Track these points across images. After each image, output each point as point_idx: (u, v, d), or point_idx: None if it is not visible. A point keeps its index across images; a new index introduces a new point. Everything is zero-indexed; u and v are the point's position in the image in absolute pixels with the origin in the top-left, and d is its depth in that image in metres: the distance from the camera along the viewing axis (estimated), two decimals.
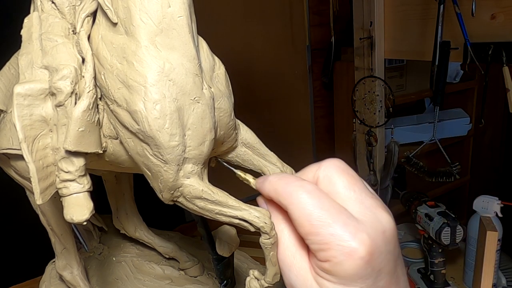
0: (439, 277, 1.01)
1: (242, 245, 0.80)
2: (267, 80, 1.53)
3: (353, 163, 1.58)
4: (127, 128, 0.55)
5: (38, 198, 0.54)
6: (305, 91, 1.65)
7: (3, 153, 0.63)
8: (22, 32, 0.60)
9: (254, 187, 0.37)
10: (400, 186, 1.42)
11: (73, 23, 0.58)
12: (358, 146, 1.53)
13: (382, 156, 1.46)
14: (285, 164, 0.70)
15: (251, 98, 1.49)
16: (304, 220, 0.29)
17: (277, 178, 0.32)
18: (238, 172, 0.47)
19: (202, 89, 0.57)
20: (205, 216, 0.60)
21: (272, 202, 0.34)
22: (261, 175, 0.67)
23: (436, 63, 1.13)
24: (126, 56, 0.53)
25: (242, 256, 0.98)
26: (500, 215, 0.98)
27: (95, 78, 0.56)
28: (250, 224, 0.59)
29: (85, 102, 0.53)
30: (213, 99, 0.58)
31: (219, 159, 0.63)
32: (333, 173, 0.31)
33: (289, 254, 0.31)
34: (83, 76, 0.55)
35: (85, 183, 0.55)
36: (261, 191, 0.34)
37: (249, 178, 0.41)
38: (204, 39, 0.61)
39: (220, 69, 0.62)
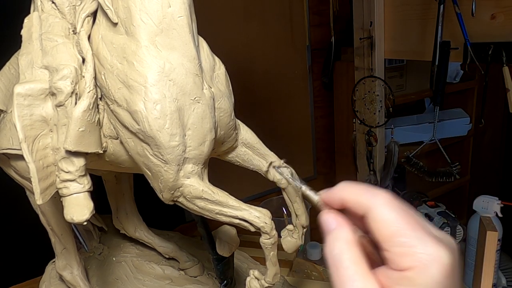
0: None
1: (242, 245, 0.80)
2: (267, 80, 1.53)
3: (353, 163, 1.58)
4: (127, 128, 0.55)
5: (38, 198, 0.54)
6: (305, 91, 1.65)
7: (3, 153, 0.63)
8: (22, 32, 0.60)
9: (316, 201, 0.34)
10: (400, 186, 1.42)
11: (73, 23, 0.58)
12: (358, 146, 1.53)
13: (382, 156, 1.46)
14: (284, 164, 0.70)
15: (251, 98, 1.49)
16: (390, 221, 0.28)
17: (351, 183, 0.31)
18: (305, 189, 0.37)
19: (203, 89, 0.57)
20: (205, 216, 0.60)
21: (338, 217, 0.31)
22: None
23: (436, 63, 1.13)
24: (126, 56, 0.53)
25: (242, 256, 0.98)
26: (500, 215, 0.98)
27: (95, 78, 0.56)
28: (251, 224, 0.59)
29: (85, 102, 0.53)
30: (213, 99, 0.58)
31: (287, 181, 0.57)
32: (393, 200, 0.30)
33: (354, 270, 0.28)
34: (83, 76, 0.55)
35: (85, 183, 0.55)
36: (331, 197, 0.32)
37: (311, 193, 0.35)
38: (204, 39, 0.61)
39: (220, 69, 0.62)
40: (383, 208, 0.28)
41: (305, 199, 0.36)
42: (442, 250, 0.26)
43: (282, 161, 0.69)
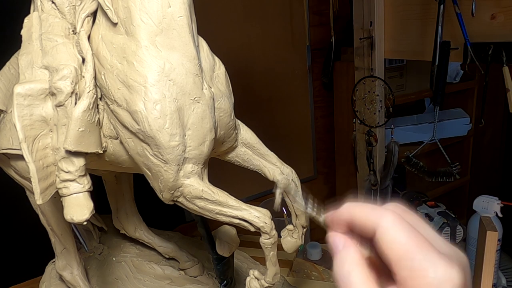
0: None
1: (242, 245, 0.80)
2: (267, 80, 1.53)
3: (353, 163, 1.58)
4: (127, 128, 0.55)
5: (38, 198, 0.54)
6: (305, 91, 1.65)
7: (3, 153, 0.63)
8: (22, 32, 0.60)
9: (322, 222, 0.34)
10: (400, 186, 1.42)
11: (73, 23, 0.58)
12: (358, 146, 1.53)
13: (382, 156, 1.46)
14: (284, 164, 0.70)
15: (251, 98, 1.49)
16: (397, 243, 0.27)
17: (357, 203, 0.31)
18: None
19: (202, 89, 0.57)
20: (205, 216, 0.60)
21: (344, 237, 0.31)
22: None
23: (436, 63, 1.13)
24: (126, 56, 0.53)
25: (242, 256, 0.98)
26: (500, 215, 0.98)
27: (95, 78, 0.56)
28: (250, 224, 0.59)
29: (85, 102, 0.53)
30: (213, 99, 0.58)
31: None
32: (402, 213, 0.29)
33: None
34: (83, 76, 0.55)
35: (85, 183, 0.55)
36: (337, 218, 0.32)
37: (317, 216, 0.36)
38: (204, 39, 0.61)
39: (220, 69, 0.62)
40: (391, 229, 0.28)
41: (312, 220, 0.36)
42: (453, 270, 0.26)
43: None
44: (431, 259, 0.26)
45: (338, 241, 0.31)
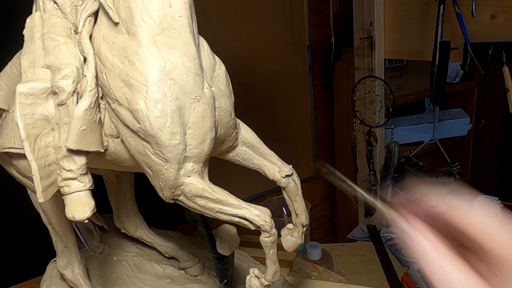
0: None
1: (242, 244, 0.80)
2: (267, 80, 1.54)
3: (353, 163, 1.59)
4: (128, 127, 0.55)
5: (40, 197, 0.54)
6: (305, 91, 1.66)
7: (5, 152, 0.63)
8: (24, 32, 0.60)
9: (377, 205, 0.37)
10: (400, 186, 1.42)
11: (75, 22, 0.59)
12: (358, 146, 1.53)
13: (382, 156, 1.46)
14: (284, 163, 0.70)
15: (251, 97, 1.49)
16: (488, 225, 0.31)
17: (439, 197, 0.34)
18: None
19: (203, 88, 0.57)
20: (205, 215, 0.60)
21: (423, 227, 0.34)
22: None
23: (436, 63, 1.13)
24: (128, 55, 0.54)
25: (242, 255, 0.98)
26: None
27: (96, 77, 0.56)
28: (250, 222, 0.59)
29: (86, 101, 0.54)
30: (213, 98, 0.59)
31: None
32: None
33: (453, 266, 0.31)
34: (85, 75, 0.55)
35: (87, 181, 0.56)
36: (415, 208, 0.35)
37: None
38: (205, 38, 0.61)
39: (220, 68, 0.63)
40: (480, 214, 0.32)
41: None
42: None
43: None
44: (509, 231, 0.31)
45: (416, 222, 0.34)
